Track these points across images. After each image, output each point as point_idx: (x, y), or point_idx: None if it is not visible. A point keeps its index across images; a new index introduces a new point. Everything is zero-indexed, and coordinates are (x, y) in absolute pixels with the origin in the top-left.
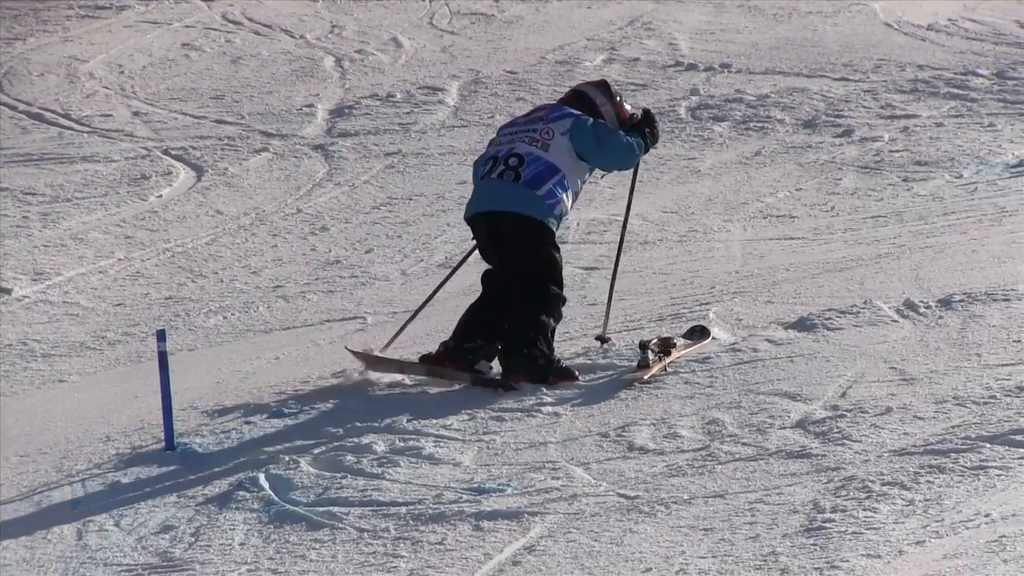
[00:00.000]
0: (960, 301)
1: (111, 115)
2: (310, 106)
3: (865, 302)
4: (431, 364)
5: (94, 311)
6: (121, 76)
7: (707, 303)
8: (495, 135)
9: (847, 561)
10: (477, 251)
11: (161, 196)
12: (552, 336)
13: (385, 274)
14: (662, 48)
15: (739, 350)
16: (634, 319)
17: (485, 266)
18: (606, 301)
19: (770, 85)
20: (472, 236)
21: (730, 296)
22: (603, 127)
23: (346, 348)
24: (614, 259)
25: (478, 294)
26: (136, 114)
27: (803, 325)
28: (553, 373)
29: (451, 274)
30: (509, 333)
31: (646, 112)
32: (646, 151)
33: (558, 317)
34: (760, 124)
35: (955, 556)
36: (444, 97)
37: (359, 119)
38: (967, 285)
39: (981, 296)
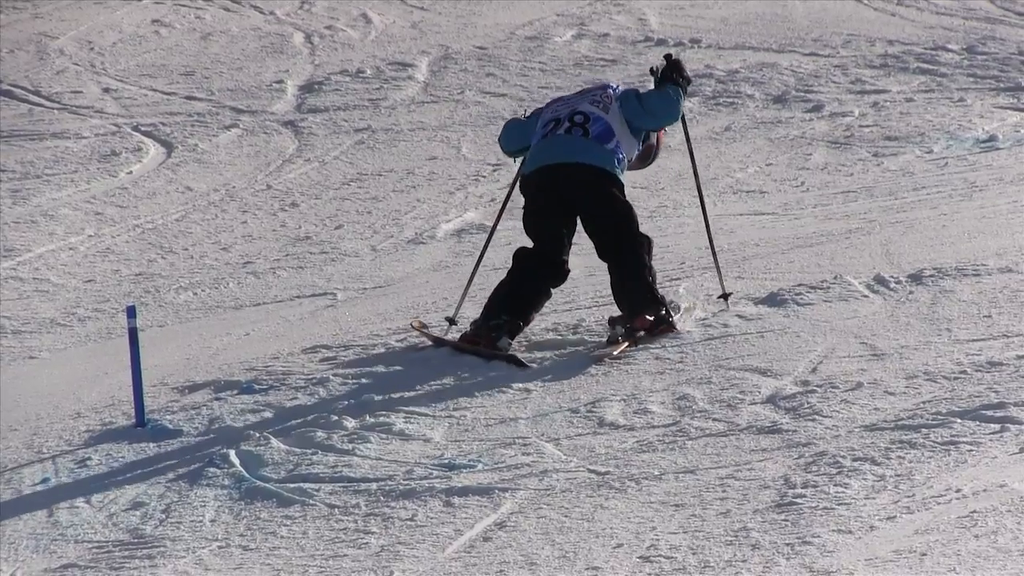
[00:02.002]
0: (930, 276)
1: (81, 92)
2: (280, 82)
3: (835, 277)
4: (467, 343)
5: (64, 287)
6: (91, 52)
7: (677, 279)
8: (544, 110)
9: (818, 536)
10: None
11: (131, 172)
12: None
13: (355, 250)
14: (632, 23)
15: (709, 325)
16: (604, 295)
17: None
18: (712, 259)
19: (740, 60)
20: (525, 197)
21: (700, 271)
22: (645, 92)
23: (411, 326)
24: (702, 218)
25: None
26: (106, 91)
27: (773, 300)
28: (665, 325)
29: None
30: (625, 279)
31: (667, 58)
32: (684, 95)
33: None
34: (730, 99)
35: (926, 531)
36: (414, 73)
37: (329, 95)
38: (937, 260)
39: (951, 271)
